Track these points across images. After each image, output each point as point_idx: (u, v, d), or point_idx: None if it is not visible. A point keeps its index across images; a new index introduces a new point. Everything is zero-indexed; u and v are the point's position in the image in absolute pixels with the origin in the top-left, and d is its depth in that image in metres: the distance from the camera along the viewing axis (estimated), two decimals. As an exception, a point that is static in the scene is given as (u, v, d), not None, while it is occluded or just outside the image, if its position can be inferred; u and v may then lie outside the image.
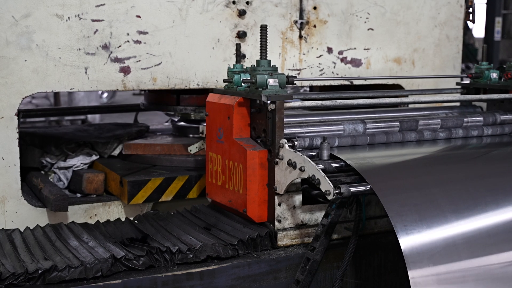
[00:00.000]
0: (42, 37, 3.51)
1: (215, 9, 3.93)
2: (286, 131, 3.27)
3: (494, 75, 4.11)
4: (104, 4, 3.63)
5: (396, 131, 3.57)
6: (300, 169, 2.99)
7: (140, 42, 3.75)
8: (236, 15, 4.00)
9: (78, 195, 3.96)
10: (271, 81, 3.19)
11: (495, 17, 22.55)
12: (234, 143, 3.27)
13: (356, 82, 4.55)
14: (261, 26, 3.27)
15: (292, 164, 3.04)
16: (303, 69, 4.26)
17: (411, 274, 2.56)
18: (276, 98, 3.14)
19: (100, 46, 3.65)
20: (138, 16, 3.73)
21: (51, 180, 4.03)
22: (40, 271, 2.72)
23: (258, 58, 4.11)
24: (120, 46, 3.70)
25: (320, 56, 4.31)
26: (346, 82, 4.42)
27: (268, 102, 3.12)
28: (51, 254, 2.92)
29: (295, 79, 3.40)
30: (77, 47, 3.61)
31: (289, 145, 3.13)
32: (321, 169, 2.95)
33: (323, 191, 2.86)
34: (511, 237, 2.85)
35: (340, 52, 4.37)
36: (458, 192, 2.97)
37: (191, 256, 2.96)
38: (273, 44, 4.13)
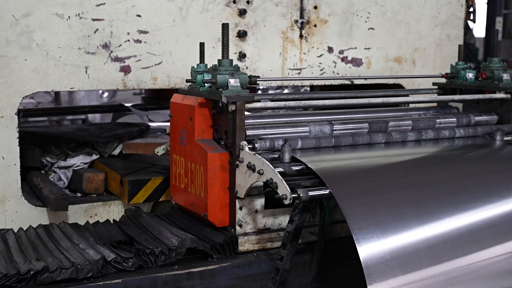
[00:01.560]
0: (43, 36, 3.51)
1: (216, 9, 3.93)
2: (250, 132, 3.20)
3: (470, 75, 4.02)
4: (104, 4, 3.63)
5: (365, 132, 3.49)
6: (259, 172, 2.91)
7: (140, 42, 3.74)
8: (236, 14, 3.99)
9: (79, 194, 3.96)
10: (232, 81, 3.12)
11: (496, 16, 22.54)
12: (196, 145, 3.19)
13: (356, 82, 4.54)
14: (223, 24, 3.21)
15: (251, 167, 2.95)
16: (303, 68, 4.25)
17: None
18: (236, 99, 3.06)
19: (100, 45, 3.65)
20: (139, 16, 3.73)
21: (51, 179, 4.02)
22: (32, 272, 2.72)
23: (259, 57, 4.11)
24: (121, 45, 3.70)
25: (321, 55, 4.30)
26: (344, 82, 4.41)
27: (229, 103, 3.03)
28: (43, 255, 2.93)
29: (258, 79, 3.32)
30: (78, 47, 3.60)
31: (249, 147, 3.05)
32: (280, 172, 2.87)
33: (280, 195, 2.77)
34: (473, 239, 2.81)
35: (341, 52, 4.36)
36: (421, 196, 2.91)
37: (174, 254, 2.95)
38: (273, 44, 4.12)
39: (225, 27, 3.20)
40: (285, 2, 4.13)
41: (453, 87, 4.09)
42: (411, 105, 4.49)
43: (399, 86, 4.60)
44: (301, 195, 2.73)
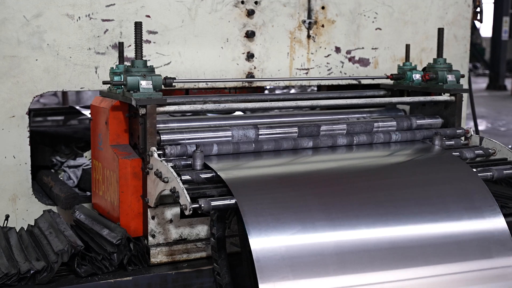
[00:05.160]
0: (53, 37, 3.55)
1: (224, 9, 3.96)
2: (166, 137, 3.04)
3: (417, 76, 3.86)
4: (114, 4, 3.66)
5: (293, 137, 3.30)
6: (164, 180, 2.71)
7: (149, 42, 3.78)
8: (244, 14, 4.02)
9: (88, 193, 3.99)
10: (143, 83, 2.93)
11: (503, 16, 22.50)
12: (110, 150, 3.05)
13: (363, 82, 4.56)
14: (135, 23, 3.04)
15: (158, 175, 2.76)
16: (311, 68, 4.28)
17: None
18: (146, 102, 2.89)
19: (110, 45, 3.69)
20: (148, 16, 3.76)
21: (61, 178, 4.06)
22: (32, 271, 2.74)
23: (267, 57, 4.12)
24: (130, 45, 3.73)
25: (328, 55, 4.33)
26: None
27: (138, 106, 2.88)
28: (43, 254, 2.92)
29: (173, 81, 3.14)
30: (88, 47, 3.64)
31: (158, 154, 2.88)
32: (188, 180, 2.73)
33: (181, 205, 2.58)
34: (381, 257, 2.68)
35: (348, 52, 4.39)
36: (336, 207, 2.76)
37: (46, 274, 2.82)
38: (281, 44, 4.15)
39: (137, 26, 3.02)
40: (293, 2, 4.15)
41: (400, 89, 3.96)
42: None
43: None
44: (202, 205, 2.55)
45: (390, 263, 2.70)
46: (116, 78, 3.12)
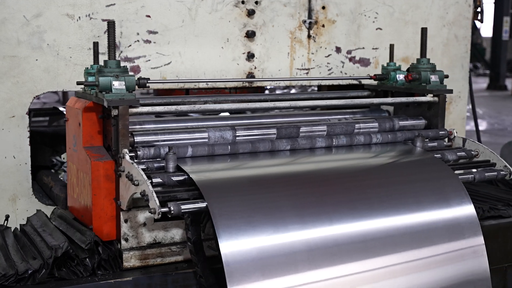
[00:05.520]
0: (53, 37, 3.54)
1: (224, 9, 3.95)
2: (140, 139, 2.99)
3: (401, 76, 3.80)
4: (114, 4, 3.66)
5: (273, 138, 3.24)
6: (134, 183, 2.64)
7: (150, 42, 3.77)
8: (245, 14, 4.02)
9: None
10: (116, 84, 2.87)
11: (503, 16, 22.52)
12: (83, 152, 3.01)
13: (363, 82, 4.56)
14: (108, 22, 2.99)
15: (129, 177, 2.69)
16: (311, 68, 4.27)
17: None
18: (119, 103, 2.83)
19: (110, 45, 3.68)
20: (148, 16, 3.76)
21: (61, 178, 4.06)
22: (30, 271, 2.72)
23: (267, 57, 4.12)
24: (130, 45, 3.73)
25: (329, 55, 4.32)
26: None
27: (110, 107, 2.84)
28: (41, 252, 2.91)
29: (147, 81, 3.10)
30: (88, 47, 3.63)
31: (131, 156, 2.81)
32: (159, 183, 2.68)
33: (150, 209, 2.50)
34: (340, 252, 2.69)
35: (349, 52, 4.38)
36: (307, 208, 2.73)
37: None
38: (281, 44, 4.14)
39: (110, 25, 2.97)
40: (293, 2, 4.15)
41: (385, 89, 3.91)
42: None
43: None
44: (171, 208, 2.49)
45: (360, 254, 2.72)
46: (90, 79, 3.09)
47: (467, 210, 3.06)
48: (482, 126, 13.75)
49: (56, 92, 12.63)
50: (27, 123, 3.54)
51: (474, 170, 3.35)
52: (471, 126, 11.05)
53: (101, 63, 3.64)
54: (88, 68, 3.23)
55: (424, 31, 3.75)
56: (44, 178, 3.97)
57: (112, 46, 2.98)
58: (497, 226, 3.66)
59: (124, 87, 2.89)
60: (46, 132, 4.46)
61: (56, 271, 2.78)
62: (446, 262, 2.93)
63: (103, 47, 3.66)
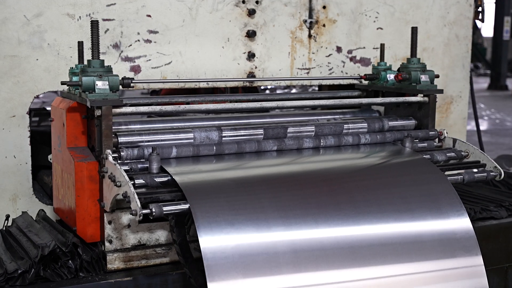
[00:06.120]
0: (54, 36, 3.54)
1: (225, 9, 3.95)
2: (124, 139, 2.96)
3: (392, 76, 3.76)
4: (115, 4, 3.66)
5: (260, 139, 3.19)
6: (117, 184, 2.60)
7: (150, 41, 3.77)
8: (245, 14, 4.01)
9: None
10: (99, 84, 2.84)
11: (504, 16, 22.51)
12: (67, 153, 2.98)
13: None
14: (91, 22, 2.96)
15: (112, 178, 2.66)
16: (312, 68, 4.27)
17: None
18: (102, 103, 2.80)
19: (110, 45, 3.68)
20: (149, 16, 3.75)
21: (62, 178, 4.06)
22: (19, 271, 2.69)
23: (268, 57, 4.11)
24: (131, 45, 3.73)
25: (329, 55, 4.32)
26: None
27: (93, 107, 2.80)
28: (27, 252, 2.89)
29: (132, 81, 3.06)
30: (88, 46, 3.62)
31: (114, 156, 2.78)
32: (142, 184, 2.65)
33: (132, 210, 2.47)
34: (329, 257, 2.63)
35: (349, 51, 4.38)
36: (291, 209, 2.68)
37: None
38: (282, 43, 4.14)
39: (94, 24, 2.94)
40: (294, 2, 4.15)
41: (375, 89, 3.89)
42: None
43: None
44: (153, 210, 2.46)
45: (347, 262, 2.65)
46: (74, 79, 3.06)
47: (460, 218, 2.91)
48: (483, 126, 13.75)
49: (56, 92, 12.65)
50: (27, 122, 3.54)
51: (463, 171, 3.29)
52: (471, 126, 11.05)
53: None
54: (72, 67, 3.21)
55: (414, 30, 3.72)
56: (45, 178, 3.97)
57: (96, 45, 2.94)
58: (498, 226, 3.66)
59: (107, 87, 2.86)
60: (47, 132, 4.45)
61: (42, 271, 2.75)
62: (439, 279, 2.81)
63: (102, 47, 3.66)
